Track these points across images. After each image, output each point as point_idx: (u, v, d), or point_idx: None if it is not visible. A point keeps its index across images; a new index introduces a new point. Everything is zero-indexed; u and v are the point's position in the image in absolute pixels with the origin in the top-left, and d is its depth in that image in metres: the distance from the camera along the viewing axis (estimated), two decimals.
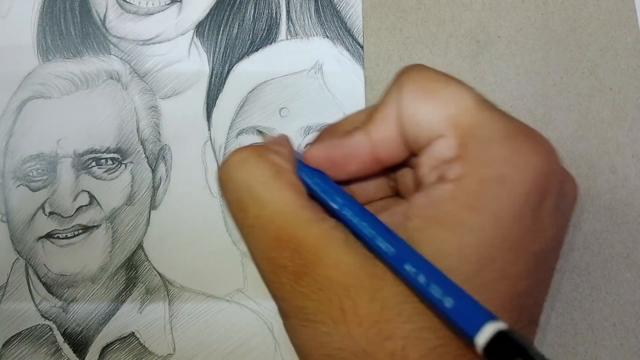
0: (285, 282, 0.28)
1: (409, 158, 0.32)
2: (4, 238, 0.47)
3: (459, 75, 0.49)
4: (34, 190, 0.48)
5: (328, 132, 0.35)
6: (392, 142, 0.31)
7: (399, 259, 0.27)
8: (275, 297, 0.30)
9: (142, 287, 0.46)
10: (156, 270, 0.46)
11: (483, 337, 0.24)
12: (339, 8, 0.52)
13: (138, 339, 0.45)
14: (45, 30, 0.52)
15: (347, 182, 0.34)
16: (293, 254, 0.28)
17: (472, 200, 0.27)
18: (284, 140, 0.34)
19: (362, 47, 0.51)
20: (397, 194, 0.35)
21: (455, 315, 0.25)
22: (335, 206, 0.31)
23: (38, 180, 0.48)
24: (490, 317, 0.24)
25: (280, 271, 0.28)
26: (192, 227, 0.47)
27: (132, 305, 0.46)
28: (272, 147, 0.32)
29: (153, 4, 0.52)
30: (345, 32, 0.51)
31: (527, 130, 0.29)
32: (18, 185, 0.48)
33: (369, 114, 0.32)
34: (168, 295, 0.46)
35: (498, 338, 0.24)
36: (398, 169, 0.34)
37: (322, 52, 0.51)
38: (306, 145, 0.35)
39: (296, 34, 0.51)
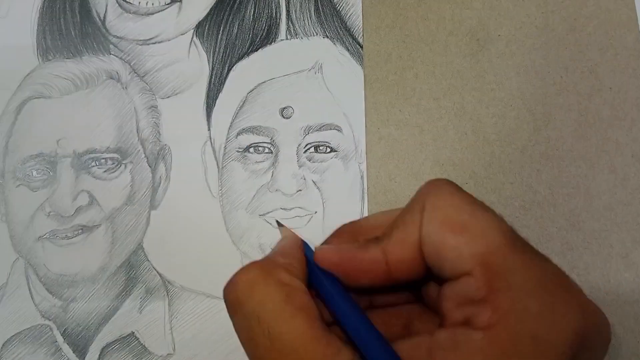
0: None
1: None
2: (3, 238, 0.48)
3: (459, 74, 0.50)
4: (33, 190, 0.48)
5: (345, 234, 0.34)
6: (409, 265, 0.30)
7: None
8: None
9: (142, 287, 0.46)
10: (156, 270, 0.46)
11: None
12: (338, 8, 0.52)
13: (138, 338, 0.45)
14: (45, 30, 0.52)
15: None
16: None
17: (502, 356, 0.26)
18: (292, 247, 0.33)
19: (362, 46, 0.51)
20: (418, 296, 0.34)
21: None
22: (347, 328, 0.30)
23: (38, 180, 0.48)
24: None
25: None
26: (192, 227, 0.47)
27: (132, 305, 0.46)
28: (281, 260, 0.31)
29: (153, 4, 0.52)
30: (345, 32, 0.51)
31: (563, 279, 0.28)
32: (18, 185, 0.48)
33: (390, 226, 0.31)
34: (168, 295, 0.46)
35: None
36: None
37: (322, 52, 0.51)
38: (322, 243, 0.34)
39: (296, 34, 0.51)
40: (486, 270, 0.27)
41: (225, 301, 0.30)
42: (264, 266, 0.30)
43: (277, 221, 0.43)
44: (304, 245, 0.33)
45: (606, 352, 0.30)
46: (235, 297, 0.29)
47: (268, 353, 0.28)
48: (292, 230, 0.39)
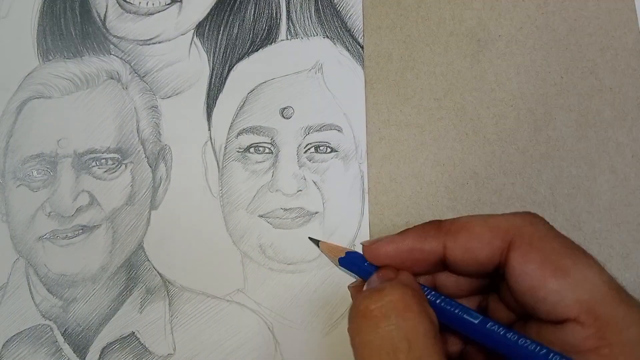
0: None
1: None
2: (4, 238, 0.48)
3: (460, 75, 0.50)
4: (34, 190, 0.48)
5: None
6: (467, 270, 0.31)
7: None
8: None
9: (142, 287, 0.46)
10: (156, 270, 0.46)
11: None
12: (339, 8, 0.52)
13: (138, 338, 0.45)
14: (45, 31, 0.52)
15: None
16: None
17: None
18: (416, 283, 0.33)
19: (362, 47, 0.51)
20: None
21: None
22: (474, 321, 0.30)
23: (38, 180, 0.48)
24: None
25: None
26: (192, 227, 0.47)
27: (132, 305, 0.46)
28: (419, 292, 0.31)
29: (153, 4, 0.52)
30: (345, 32, 0.51)
31: None
32: (18, 185, 0.48)
33: (459, 225, 0.31)
34: (168, 295, 0.46)
35: None
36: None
37: (322, 52, 0.51)
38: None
39: (296, 34, 0.51)
40: (596, 319, 0.27)
41: (362, 307, 0.29)
42: (416, 292, 0.30)
43: (310, 238, 0.43)
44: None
45: None
46: (384, 312, 0.28)
47: None
48: (329, 243, 0.39)
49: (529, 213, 0.31)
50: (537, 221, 0.30)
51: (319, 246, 0.41)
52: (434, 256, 0.32)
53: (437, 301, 0.32)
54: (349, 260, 0.36)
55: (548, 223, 0.30)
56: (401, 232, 0.34)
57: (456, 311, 0.31)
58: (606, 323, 0.27)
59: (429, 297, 0.32)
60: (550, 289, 0.28)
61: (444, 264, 0.32)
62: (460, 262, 0.31)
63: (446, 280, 0.34)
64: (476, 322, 0.30)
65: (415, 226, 0.34)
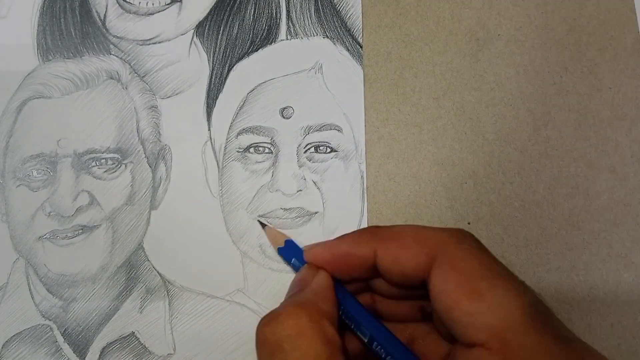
0: None
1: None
2: (4, 238, 0.48)
3: (459, 74, 0.50)
4: (34, 190, 0.48)
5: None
6: (396, 279, 0.31)
7: None
8: None
9: (142, 287, 0.46)
10: (156, 270, 0.46)
11: None
12: (339, 8, 0.52)
13: (138, 338, 0.45)
14: (45, 30, 0.52)
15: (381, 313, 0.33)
16: None
17: None
18: (328, 288, 0.33)
19: (361, 46, 0.51)
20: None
21: None
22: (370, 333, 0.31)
23: (38, 180, 0.48)
24: None
25: None
26: (192, 227, 0.47)
27: (132, 305, 0.46)
28: (323, 306, 0.31)
29: (153, 4, 0.52)
30: (345, 32, 0.51)
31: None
32: (18, 185, 0.48)
33: (390, 235, 0.32)
34: (168, 295, 0.46)
35: None
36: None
37: (322, 52, 0.51)
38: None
39: (296, 34, 0.51)
40: (502, 345, 0.27)
41: (261, 335, 0.30)
42: (312, 315, 0.30)
43: (259, 221, 0.44)
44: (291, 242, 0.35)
45: None
46: (277, 340, 0.29)
47: None
48: (277, 230, 0.40)
49: (459, 230, 0.31)
50: (464, 239, 0.30)
51: (265, 230, 0.42)
52: (367, 262, 0.32)
53: (341, 308, 0.32)
54: (286, 251, 0.38)
55: (478, 241, 0.30)
56: (339, 237, 0.34)
57: (352, 326, 0.32)
58: (513, 351, 0.26)
59: (338, 295, 0.33)
60: (464, 310, 0.28)
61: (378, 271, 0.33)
62: (389, 271, 0.31)
63: (381, 286, 0.34)
64: (365, 340, 0.31)
65: (354, 231, 0.35)
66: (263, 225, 0.45)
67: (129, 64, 0.51)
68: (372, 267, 0.32)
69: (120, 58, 0.51)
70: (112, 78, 0.51)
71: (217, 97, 0.50)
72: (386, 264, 0.31)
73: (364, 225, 0.46)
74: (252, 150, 0.48)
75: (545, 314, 0.28)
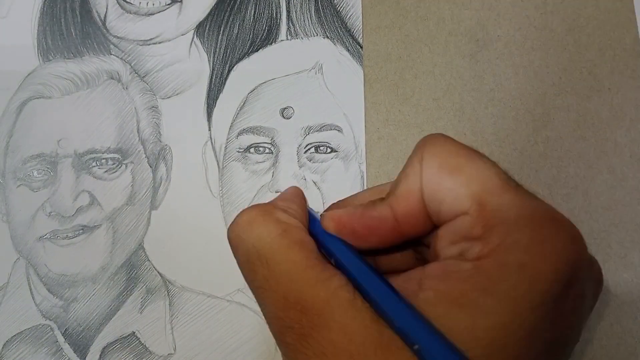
0: (290, 342, 0.28)
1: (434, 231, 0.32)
2: (4, 238, 0.48)
3: (458, 75, 0.50)
4: (34, 190, 0.48)
5: (345, 203, 0.35)
6: (415, 217, 0.31)
7: (405, 331, 0.26)
8: (283, 355, 0.29)
9: (142, 287, 0.46)
10: (157, 270, 0.47)
11: None
12: (339, 8, 0.52)
13: (139, 338, 0.45)
14: (45, 31, 0.52)
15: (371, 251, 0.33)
16: (300, 315, 0.28)
17: (489, 284, 0.26)
18: (293, 195, 0.34)
19: (361, 47, 0.51)
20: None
21: None
22: (345, 264, 0.30)
23: (38, 180, 0.48)
24: None
25: (287, 331, 0.28)
26: (192, 227, 0.47)
27: (132, 305, 0.46)
28: (280, 203, 0.32)
29: (153, 4, 0.52)
30: (345, 32, 0.51)
31: (554, 214, 0.28)
32: (19, 185, 0.48)
33: (392, 187, 0.32)
34: (168, 295, 0.46)
35: None
36: (423, 240, 0.33)
37: (322, 52, 0.51)
38: (325, 210, 0.34)
39: (296, 34, 0.51)
40: (482, 208, 0.28)
41: (229, 241, 0.32)
42: (262, 206, 0.32)
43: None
44: (310, 213, 0.34)
45: (598, 294, 0.31)
46: (236, 235, 0.31)
47: (266, 281, 0.29)
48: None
49: (431, 134, 0.32)
50: (436, 135, 0.31)
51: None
52: (386, 221, 0.32)
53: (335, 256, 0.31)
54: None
55: (447, 135, 0.31)
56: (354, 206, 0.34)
57: (333, 252, 0.31)
58: (491, 210, 0.28)
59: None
60: (446, 187, 0.29)
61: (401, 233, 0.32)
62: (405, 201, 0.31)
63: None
64: (347, 266, 0.30)
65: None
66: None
67: (130, 64, 0.51)
68: (393, 228, 0.32)
69: (121, 58, 0.51)
70: (112, 78, 0.51)
71: (217, 98, 0.50)
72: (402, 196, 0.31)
73: None
74: (252, 150, 0.48)
75: (514, 179, 0.29)
